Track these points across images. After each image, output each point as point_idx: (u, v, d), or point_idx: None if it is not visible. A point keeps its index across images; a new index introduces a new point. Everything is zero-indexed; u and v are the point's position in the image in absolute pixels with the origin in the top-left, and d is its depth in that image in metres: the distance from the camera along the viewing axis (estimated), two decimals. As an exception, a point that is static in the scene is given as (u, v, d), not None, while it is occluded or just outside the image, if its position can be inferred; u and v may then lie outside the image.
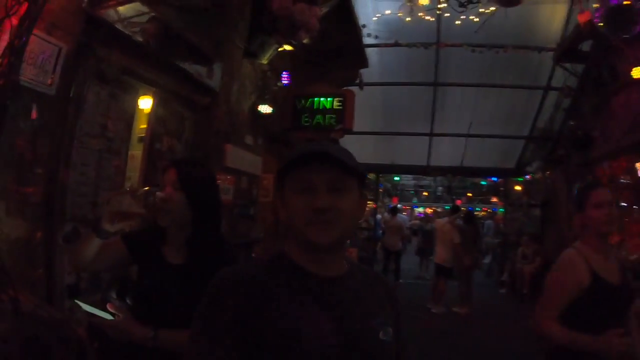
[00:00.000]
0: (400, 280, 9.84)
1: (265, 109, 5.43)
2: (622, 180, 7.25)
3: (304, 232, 1.03)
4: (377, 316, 1.08)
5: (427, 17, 6.08)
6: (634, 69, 5.41)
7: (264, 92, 5.35)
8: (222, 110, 4.53)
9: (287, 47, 4.82)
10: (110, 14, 2.56)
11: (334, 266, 1.09)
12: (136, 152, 3.09)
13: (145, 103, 3.10)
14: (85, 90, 2.53)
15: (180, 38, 3.21)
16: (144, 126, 3.18)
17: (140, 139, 3.09)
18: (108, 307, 1.73)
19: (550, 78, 8.42)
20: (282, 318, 0.97)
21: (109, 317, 1.63)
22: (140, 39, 2.72)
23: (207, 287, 1.03)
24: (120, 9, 2.60)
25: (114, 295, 1.97)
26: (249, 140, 5.37)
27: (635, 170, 6.67)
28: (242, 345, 0.95)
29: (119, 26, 2.57)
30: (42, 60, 2.20)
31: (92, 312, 1.61)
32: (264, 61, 4.85)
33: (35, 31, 1.93)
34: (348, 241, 1.22)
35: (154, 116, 3.36)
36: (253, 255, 5.73)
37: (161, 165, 3.30)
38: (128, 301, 1.86)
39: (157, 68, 3.10)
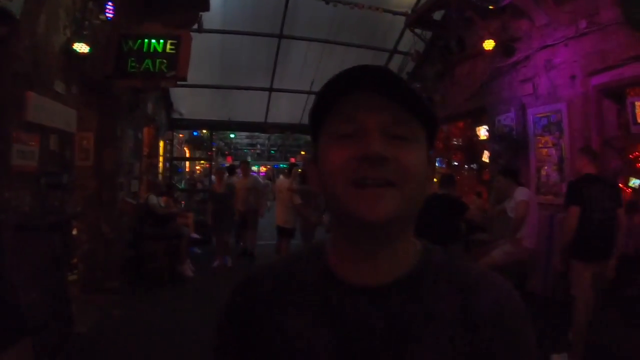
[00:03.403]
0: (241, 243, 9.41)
1: (82, 48, 4.21)
2: (454, 142, 7.97)
3: (346, 201, 0.66)
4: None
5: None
6: (485, 41, 5.71)
7: (82, 27, 4.11)
8: (24, 44, 3.29)
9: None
10: None
11: (382, 266, 0.71)
12: None
13: None
14: None
15: None
16: None
17: None
18: None
19: (398, 42, 8.60)
20: (281, 342, 0.72)
21: None
22: None
23: None
24: None
25: None
26: (59, 87, 4.11)
27: (474, 133, 7.32)
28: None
29: None
30: None
31: None
32: (84, -18, 3.66)
33: None
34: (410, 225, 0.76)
35: None
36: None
37: None
38: None
39: None
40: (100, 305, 5.07)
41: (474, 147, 8.35)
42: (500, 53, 6.04)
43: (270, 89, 9.92)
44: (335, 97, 0.70)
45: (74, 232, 4.88)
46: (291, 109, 10.48)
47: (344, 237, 0.74)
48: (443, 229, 4.93)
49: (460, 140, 8.82)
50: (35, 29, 3.43)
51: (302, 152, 21.76)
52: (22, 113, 3.39)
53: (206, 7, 6.44)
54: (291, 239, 7.61)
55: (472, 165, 8.86)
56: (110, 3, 4.50)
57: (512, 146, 5.98)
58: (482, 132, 7.40)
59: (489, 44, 5.89)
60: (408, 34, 8.10)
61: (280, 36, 8.43)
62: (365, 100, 0.69)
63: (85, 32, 4.15)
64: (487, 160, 7.36)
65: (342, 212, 0.69)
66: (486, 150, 7.34)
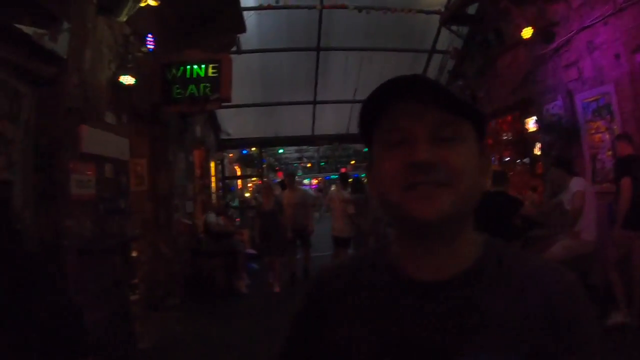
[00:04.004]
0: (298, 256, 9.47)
1: (127, 79, 4.49)
2: (504, 137, 7.71)
3: (400, 203, 0.69)
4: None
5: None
6: (524, 29, 5.53)
7: (126, 60, 4.39)
8: (73, 82, 3.56)
9: (152, 2, 3.94)
10: None
11: (442, 262, 0.72)
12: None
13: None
14: None
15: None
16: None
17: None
18: None
19: (436, 41, 8.50)
20: (336, 341, 0.76)
21: None
22: None
23: None
24: None
25: None
26: (110, 118, 4.40)
27: (523, 125, 7.07)
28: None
29: None
30: None
31: None
32: (123, 18, 3.91)
33: None
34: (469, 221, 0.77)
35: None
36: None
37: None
38: None
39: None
40: (162, 322, 5.30)
41: (525, 140, 7.99)
42: (540, 40, 5.78)
43: (314, 102, 10.05)
44: (378, 109, 0.73)
45: (134, 253, 5.15)
46: (337, 119, 10.56)
47: (404, 236, 0.76)
48: (498, 228, 4.76)
49: (509, 134, 8.49)
50: (82, 66, 3.70)
51: (352, 162, 21.73)
52: (77, 145, 3.65)
53: (242, 29, 6.67)
54: (348, 248, 7.60)
55: (524, 160, 8.49)
56: (150, 35, 4.78)
57: (562, 135, 5.69)
58: (531, 124, 7.10)
59: (527, 32, 5.65)
60: (444, 32, 7.98)
61: (318, 49, 8.54)
62: (407, 108, 0.70)
63: (129, 65, 4.43)
64: (539, 153, 7.05)
65: (398, 215, 0.71)
66: (537, 142, 7.03)
